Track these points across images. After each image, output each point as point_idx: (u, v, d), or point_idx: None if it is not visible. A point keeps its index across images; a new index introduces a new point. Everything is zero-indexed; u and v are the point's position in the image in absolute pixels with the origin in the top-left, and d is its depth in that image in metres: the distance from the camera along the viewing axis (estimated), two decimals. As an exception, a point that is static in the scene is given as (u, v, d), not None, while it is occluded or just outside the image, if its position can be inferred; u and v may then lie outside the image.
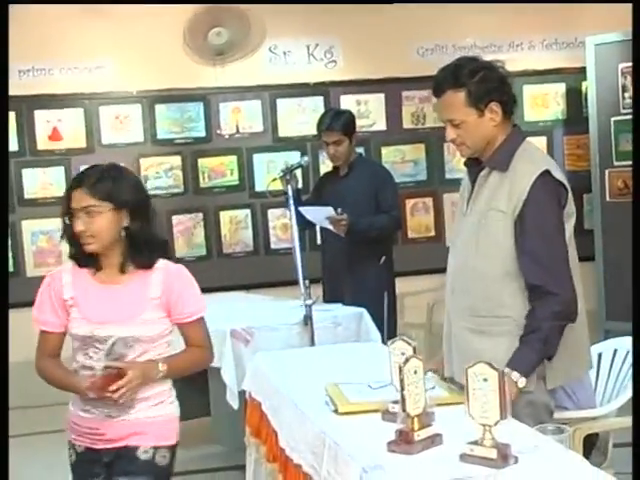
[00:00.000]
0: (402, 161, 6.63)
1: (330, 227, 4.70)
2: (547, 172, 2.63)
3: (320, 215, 4.67)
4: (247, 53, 6.38)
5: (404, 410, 2.18)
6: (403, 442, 2.17)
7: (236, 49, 6.32)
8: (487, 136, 2.72)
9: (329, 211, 4.64)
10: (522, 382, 2.52)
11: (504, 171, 2.68)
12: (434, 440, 2.20)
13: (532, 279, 2.62)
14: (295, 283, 4.23)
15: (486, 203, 2.70)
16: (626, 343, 3.37)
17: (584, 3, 6.52)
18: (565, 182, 2.69)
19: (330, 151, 4.84)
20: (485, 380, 2.06)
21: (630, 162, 5.97)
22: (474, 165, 2.82)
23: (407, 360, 2.20)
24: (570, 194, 2.71)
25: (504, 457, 2.03)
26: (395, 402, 2.32)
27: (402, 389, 2.18)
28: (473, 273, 2.73)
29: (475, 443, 2.07)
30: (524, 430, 2.27)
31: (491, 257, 2.68)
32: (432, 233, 6.67)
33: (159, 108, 6.36)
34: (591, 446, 3.14)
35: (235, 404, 3.96)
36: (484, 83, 2.67)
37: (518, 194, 2.62)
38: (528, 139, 2.80)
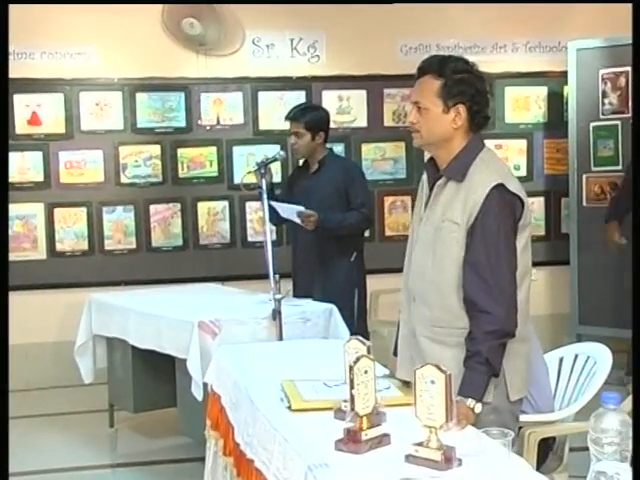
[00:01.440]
0: (382, 159, 6.64)
1: (299, 222, 4.70)
2: (502, 185, 2.62)
3: (291, 211, 4.68)
4: (227, 45, 6.37)
5: (353, 409, 2.19)
6: (351, 441, 2.18)
7: (214, 41, 6.30)
8: (443, 134, 2.70)
9: (300, 208, 4.65)
10: (478, 407, 2.51)
11: (460, 181, 2.67)
12: (382, 440, 2.21)
13: (470, 293, 2.62)
14: (270, 276, 4.24)
15: (442, 213, 2.69)
16: (587, 349, 3.40)
17: (576, 3, 6.52)
18: (521, 194, 2.67)
19: (291, 141, 4.90)
20: (432, 382, 2.07)
21: (607, 168, 6.02)
22: (432, 169, 2.81)
23: (357, 359, 2.20)
24: (527, 206, 2.69)
25: (448, 459, 2.04)
26: (347, 401, 2.33)
27: (351, 388, 2.19)
28: (430, 285, 2.72)
29: (421, 445, 2.08)
30: (469, 433, 2.29)
31: (446, 269, 2.68)
32: (409, 232, 6.67)
33: (140, 96, 6.35)
34: (547, 450, 3.17)
35: (199, 396, 3.96)
36: (461, 84, 2.66)
37: (472, 205, 2.61)
38: (487, 148, 2.77)
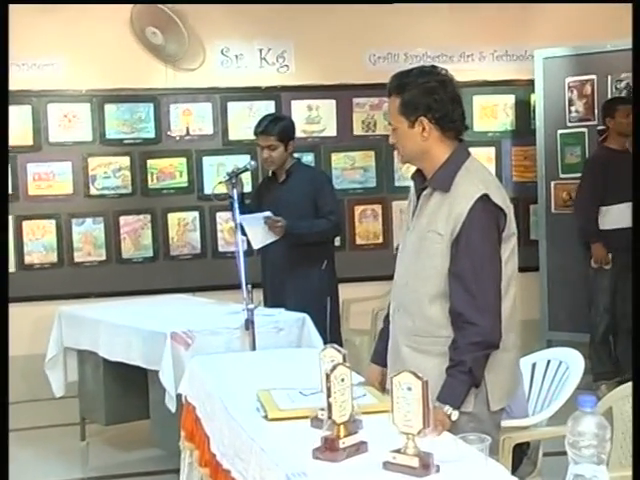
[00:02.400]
0: (352, 168, 6.66)
1: (267, 234, 4.68)
2: (486, 196, 2.63)
3: (258, 221, 4.67)
4: (189, 58, 6.35)
5: (330, 417, 2.19)
6: (328, 449, 2.18)
7: (174, 53, 6.28)
8: (418, 148, 2.73)
9: (267, 213, 4.65)
10: (455, 415, 2.52)
11: (446, 192, 2.68)
12: (359, 448, 2.21)
13: (456, 305, 2.63)
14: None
15: (427, 224, 2.70)
16: (559, 354, 3.42)
17: (569, 3, 6.57)
18: (504, 206, 2.68)
19: (264, 155, 4.86)
20: (409, 389, 2.07)
21: (574, 175, 6.07)
22: (420, 180, 2.82)
23: (334, 367, 2.21)
24: (510, 216, 2.70)
25: (426, 466, 2.05)
26: (323, 409, 2.33)
27: (328, 396, 2.19)
28: (413, 294, 2.74)
29: (398, 451, 2.09)
30: (447, 439, 2.29)
31: (428, 279, 2.69)
32: (380, 240, 6.71)
33: (109, 107, 6.33)
34: (522, 455, 3.18)
35: (173, 407, 3.94)
36: (417, 97, 2.67)
37: (456, 216, 2.62)
38: (472, 157, 2.78)
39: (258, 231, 4.68)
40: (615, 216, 5.59)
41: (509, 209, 2.71)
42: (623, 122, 5.61)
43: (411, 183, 2.90)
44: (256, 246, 4.80)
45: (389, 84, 2.76)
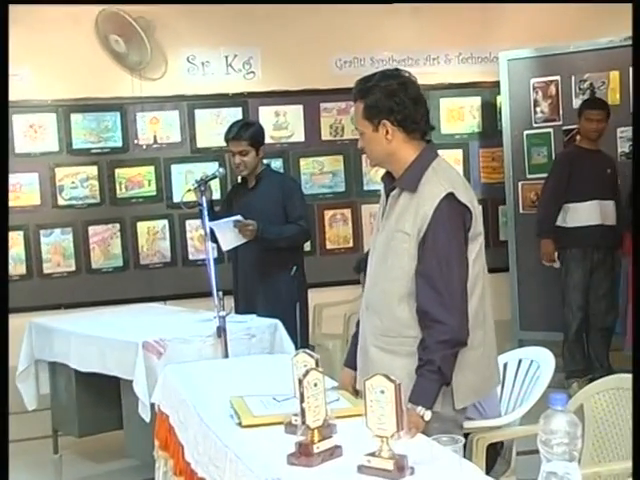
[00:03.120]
0: (320, 172, 6.67)
1: (237, 237, 4.68)
2: (451, 194, 2.65)
3: (228, 225, 4.67)
4: (153, 67, 6.33)
5: (304, 422, 2.19)
6: (303, 454, 2.18)
7: (135, 62, 6.26)
8: (384, 151, 2.76)
9: (237, 217, 4.66)
10: (428, 415, 2.54)
11: (413, 192, 2.70)
12: (334, 452, 2.22)
13: (423, 303, 2.65)
14: (212, 294, 4.22)
15: (395, 224, 2.73)
16: (530, 353, 3.45)
17: (568, 3, 6.60)
18: (470, 205, 2.70)
19: (236, 161, 4.86)
20: (382, 392, 2.08)
21: (541, 175, 6.12)
22: (389, 181, 2.85)
23: (307, 372, 2.21)
24: (476, 215, 2.73)
25: (400, 468, 2.05)
26: (297, 414, 2.33)
27: (302, 401, 2.19)
28: (381, 294, 2.76)
29: (373, 455, 2.09)
30: (421, 441, 2.31)
31: (396, 278, 2.71)
32: (350, 244, 6.72)
33: (75, 117, 6.29)
34: (495, 454, 3.20)
35: (147, 417, 3.91)
36: (379, 101, 2.70)
37: (422, 216, 2.65)
38: (440, 157, 2.81)
39: (228, 235, 4.68)
40: (584, 213, 5.64)
41: (475, 209, 2.74)
42: (585, 126, 5.68)
43: (381, 185, 2.93)
44: (225, 248, 4.80)
45: (353, 90, 2.80)
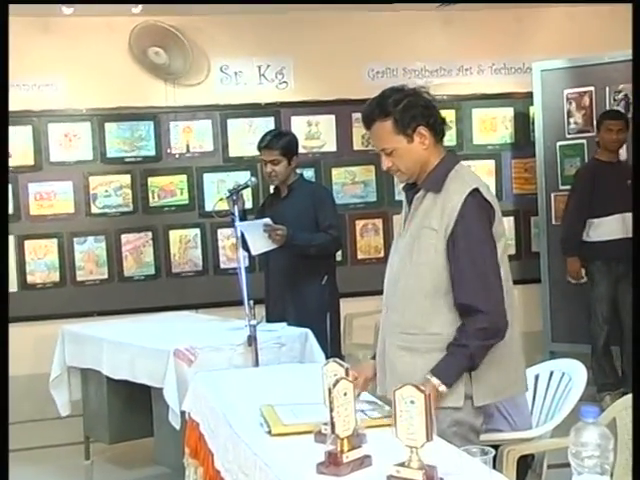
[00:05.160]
0: (352, 182, 6.68)
1: (267, 242, 4.69)
2: (477, 190, 2.71)
3: (257, 227, 4.67)
4: (194, 74, 6.39)
5: (333, 432, 2.19)
6: (332, 464, 2.18)
7: (179, 70, 6.32)
8: (419, 160, 2.79)
9: (267, 220, 4.67)
10: (443, 388, 2.60)
11: (438, 192, 2.74)
12: (363, 462, 2.21)
13: (461, 298, 2.67)
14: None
15: (420, 221, 2.76)
16: (562, 365, 3.43)
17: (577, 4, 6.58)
18: (493, 202, 2.76)
19: (267, 170, 4.87)
20: (412, 402, 2.07)
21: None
22: (411, 189, 2.88)
23: (337, 382, 2.21)
24: (498, 215, 2.77)
25: (430, 479, 2.05)
26: (327, 424, 2.33)
27: (331, 411, 2.19)
28: (404, 291, 2.77)
29: (402, 465, 2.09)
30: (450, 452, 2.29)
31: (422, 274, 2.72)
32: (381, 254, 6.70)
33: (109, 126, 6.35)
34: (526, 467, 3.18)
35: (177, 424, 3.93)
36: (409, 110, 2.73)
37: (449, 212, 2.68)
38: (461, 162, 2.86)
39: (257, 238, 4.69)
40: (609, 228, 5.60)
41: (497, 209, 2.78)
42: (605, 137, 5.64)
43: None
44: (255, 252, 4.80)
45: (366, 114, 2.80)
